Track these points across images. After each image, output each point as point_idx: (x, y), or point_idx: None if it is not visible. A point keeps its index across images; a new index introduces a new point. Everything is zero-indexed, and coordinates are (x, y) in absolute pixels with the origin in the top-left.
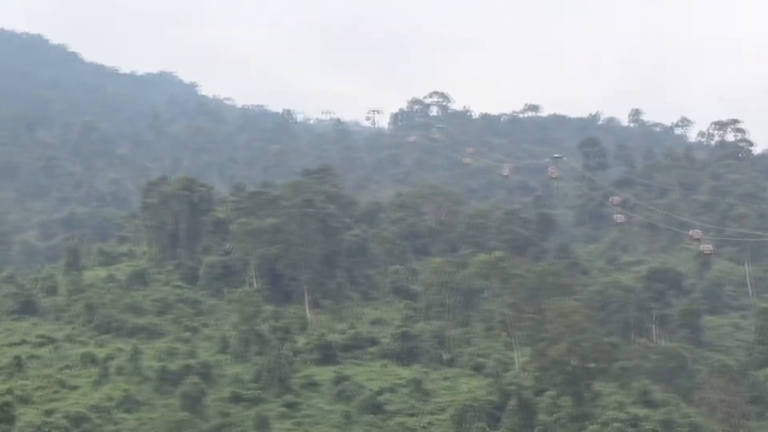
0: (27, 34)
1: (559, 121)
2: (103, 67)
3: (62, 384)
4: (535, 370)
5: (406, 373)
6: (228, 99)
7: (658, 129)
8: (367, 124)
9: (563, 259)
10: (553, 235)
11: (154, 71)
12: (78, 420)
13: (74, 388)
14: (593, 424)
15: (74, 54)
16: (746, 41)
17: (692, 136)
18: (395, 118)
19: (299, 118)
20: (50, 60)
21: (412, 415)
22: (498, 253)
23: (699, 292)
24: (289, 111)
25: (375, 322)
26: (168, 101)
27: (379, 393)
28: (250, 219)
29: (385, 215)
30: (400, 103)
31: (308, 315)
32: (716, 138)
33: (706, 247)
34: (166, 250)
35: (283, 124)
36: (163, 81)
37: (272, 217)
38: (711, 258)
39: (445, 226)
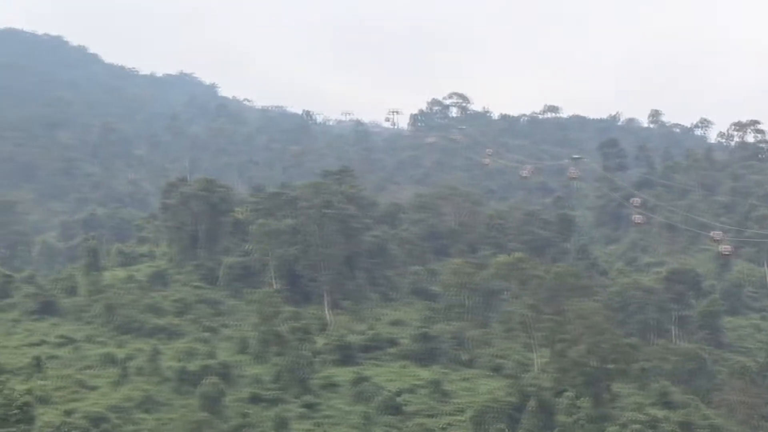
0: (47, 35)
1: (578, 122)
2: (122, 68)
3: (82, 384)
4: (555, 371)
5: (425, 374)
6: (247, 100)
7: (677, 130)
8: (387, 125)
9: (583, 260)
10: (572, 236)
11: (174, 72)
12: (97, 420)
13: (94, 388)
14: (612, 425)
15: (94, 55)
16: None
17: (712, 136)
18: (415, 119)
19: (319, 119)
20: (70, 61)
21: (432, 416)
22: (518, 254)
23: (719, 293)
24: (308, 112)
25: (394, 322)
26: (187, 102)
27: (399, 394)
28: (270, 220)
29: (405, 216)
30: (420, 104)
31: (328, 316)
32: (736, 139)
33: (725, 247)
34: (186, 250)
35: (302, 125)
36: (182, 82)
37: (291, 218)
38: (730, 259)
39: (464, 227)
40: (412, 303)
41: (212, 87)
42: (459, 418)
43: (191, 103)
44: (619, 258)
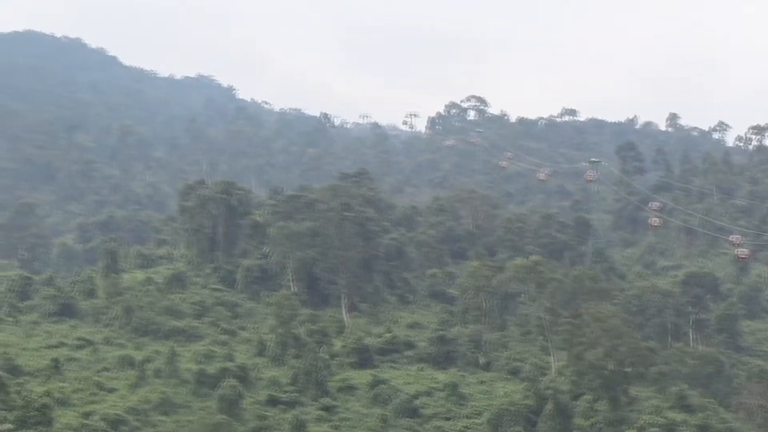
0: (66, 37)
1: (596, 125)
2: (141, 70)
3: (100, 386)
4: (572, 375)
5: (442, 376)
6: (266, 103)
7: (695, 133)
8: (405, 127)
9: (600, 264)
10: (590, 240)
11: (192, 75)
12: (115, 422)
13: (112, 390)
14: (630, 428)
15: (113, 58)
16: None
17: (730, 140)
18: (433, 122)
19: (336, 121)
20: (89, 63)
21: (449, 419)
22: (535, 257)
23: (737, 297)
24: (326, 115)
25: (412, 325)
26: (206, 105)
27: (416, 397)
28: (288, 222)
29: (423, 219)
30: (438, 107)
31: (345, 318)
32: (754, 142)
33: (742, 251)
34: (204, 253)
35: (320, 127)
36: (200, 85)
37: (310, 221)
38: (747, 262)
39: (482, 230)
40: (430, 306)
41: (230, 89)
42: (476, 421)
43: (209, 105)
44: (637, 261)
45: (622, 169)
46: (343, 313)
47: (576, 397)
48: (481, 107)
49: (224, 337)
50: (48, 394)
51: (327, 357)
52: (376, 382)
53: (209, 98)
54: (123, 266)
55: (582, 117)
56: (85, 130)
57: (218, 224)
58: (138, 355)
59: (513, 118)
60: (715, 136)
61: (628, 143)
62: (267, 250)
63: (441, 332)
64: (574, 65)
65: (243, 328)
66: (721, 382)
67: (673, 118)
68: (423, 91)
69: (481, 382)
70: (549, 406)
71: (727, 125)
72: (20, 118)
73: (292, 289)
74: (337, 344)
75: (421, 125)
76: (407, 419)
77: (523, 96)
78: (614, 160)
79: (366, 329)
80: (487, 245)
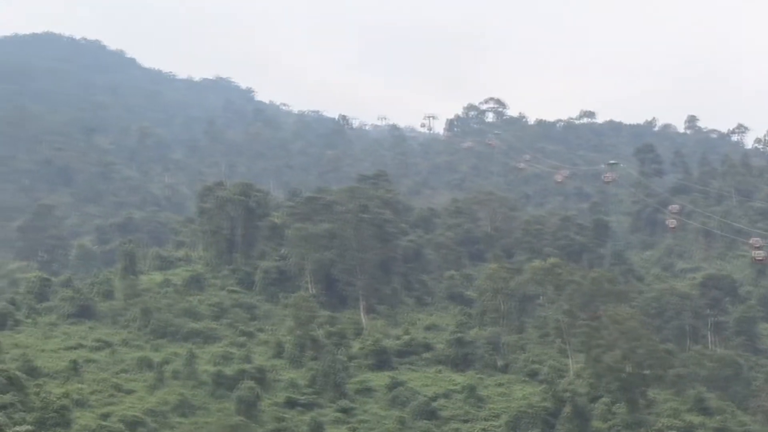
0: (85, 39)
1: (614, 127)
2: (160, 72)
3: (118, 388)
4: (590, 377)
5: (460, 379)
6: (284, 105)
7: (714, 136)
8: (423, 129)
9: (619, 266)
10: (608, 242)
11: (211, 77)
12: (133, 424)
13: (130, 392)
14: (648, 431)
15: (132, 60)
16: None
17: (749, 142)
18: (451, 124)
19: (354, 123)
20: (108, 66)
21: (467, 421)
22: (553, 260)
23: (755, 300)
24: (344, 116)
25: (430, 327)
26: (224, 107)
27: (434, 399)
28: (306, 224)
29: (441, 221)
30: (456, 109)
31: (363, 320)
32: None
33: (759, 253)
34: (222, 254)
35: (338, 129)
36: (219, 87)
37: (328, 223)
38: (765, 264)
39: (500, 232)
40: (448, 308)
41: (249, 91)
42: (494, 423)
43: (228, 107)
44: (655, 263)
45: (641, 171)
46: (361, 314)
47: (594, 400)
48: (500, 109)
49: (242, 339)
50: (66, 395)
51: (345, 359)
52: (394, 384)
53: (228, 100)
54: (141, 268)
55: (600, 119)
56: (104, 132)
57: (236, 226)
58: (156, 357)
59: (531, 120)
60: (734, 138)
61: (647, 145)
62: (285, 252)
63: (459, 334)
64: (592, 67)
65: (261, 330)
66: (739, 384)
67: (691, 120)
68: (441, 93)
69: (499, 385)
70: (567, 409)
71: (746, 127)
72: (39, 120)
73: (310, 291)
74: (355, 346)
75: (439, 127)
76: (425, 421)
77: (542, 98)
78: (632, 163)
79: (384, 331)
80: (505, 247)
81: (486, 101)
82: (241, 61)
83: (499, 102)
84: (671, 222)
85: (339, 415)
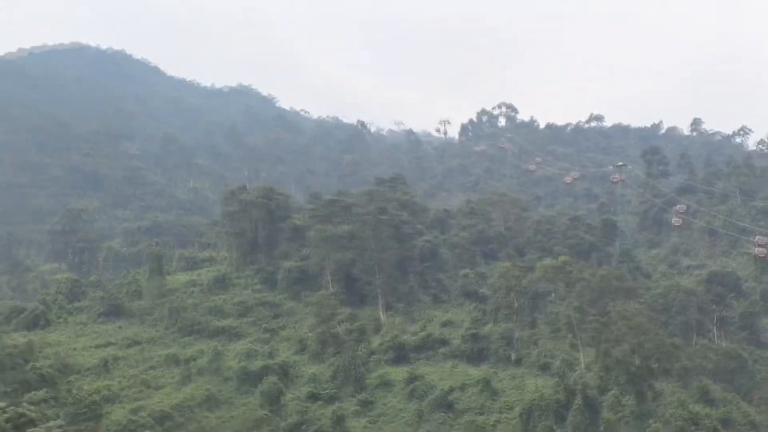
0: (112, 49)
1: (622, 130)
2: (183, 80)
3: (147, 384)
4: (600, 370)
5: (475, 372)
6: (304, 111)
7: (718, 138)
8: (438, 134)
9: (626, 264)
10: (616, 241)
11: (233, 84)
12: (162, 418)
13: (158, 387)
14: (656, 421)
15: (156, 69)
16: None
17: (751, 144)
18: (464, 128)
19: (372, 129)
20: (134, 75)
21: (481, 413)
22: (563, 258)
23: (758, 295)
24: (362, 122)
25: (446, 323)
26: (246, 113)
27: (450, 392)
28: (326, 226)
29: (455, 221)
30: (469, 114)
31: (382, 317)
32: None
33: (760, 250)
34: (246, 255)
35: (357, 134)
36: (240, 94)
37: (347, 224)
38: (764, 261)
39: (512, 232)
40: (463, 305)
41: (269, 98)
42: (508, 415)
43: (249, 113)
44: (662, 261)
45: (647, 172)
46: (380, 312)
47: (603, 392)
48: (511, 114)
49: (266, 336)
50: (97, 391)
51: (365, 354)
52: (411, 378)
53: (249, 107)
54: (168, 269)
55: (608, 122)
56: (130, 139)
57: (259, 228)
58: (183, 354)
59: (542, 124)
60: (738, 140)
61: (653, 147)
62: (306, 252)
63: (474, 330)
64: (601, 72)
65: (284, 327)
66: (743, 376)
67: (696, 123)
68: (455, 99)
69: (513, 378)
70: (578, 401)
71: (749, 129)
72: (68, 127)
73: (330, 290)
74: (375, 342)
75: (453, 131)
76: (442, 413)
77: (552, 103)
78: (639, 164)
79: (402, 327)
80: (518, 246)
81: (498, 106)
82: (262, 69)
83: (510, 107)
84: (676, 221)
85: (359, 408)
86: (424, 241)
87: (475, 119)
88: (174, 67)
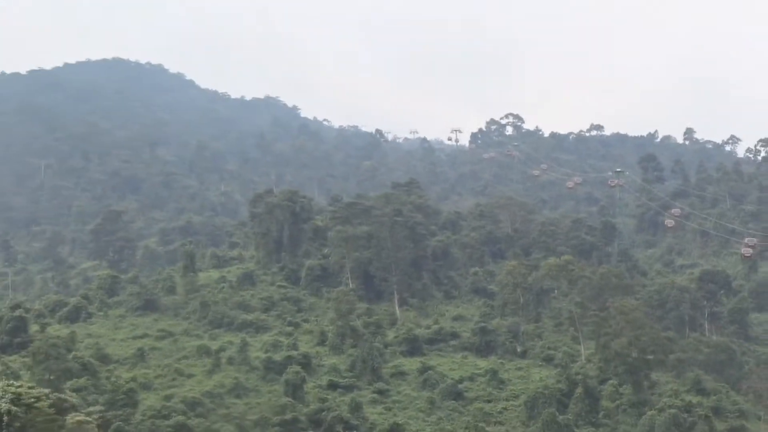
0: (149, 64)
1: (620, 139)
2: (215, 92)
3: (179, 373)
4: (599, 362)
5: (483, 363)
6: (326, 120)
7: (709, 146)
8: (449, 142)
9: (625, 263)
10: (615, 241)
11: (261, 96)
12: (193, 404)
13: (190, 376)
14: (651, 409)
15: (191, 81)
16: None
17: (740, 152)
18: (474, 137)
19: (389, 137)
20: (169, 87)
21: (489, 402)
22: (566, 257)
23: (747, 292)
24: (380, 131)
25: (456, 318)
26: (272, 123)
27: (460, 381)
28: (346, 227)
29: (466, 223)
30: (479, 124)
31: (397, 312)
32: (762, 153)
33: (746, 250)
34: (272, 254)
35: (374, 142)
36: (268, 105)
37: (366, 225)
38: (752, 260)
39: (519, 233)
40: (472, 300)
41: (294, 109)
42: (514, 403)
43: (276, 123)
44: (657, 260)
45: (644, 178)
46: (395, 307)
47: (603, 382)
48: (518, 123)
49: (289, 329)
50: (134, 379)
51: (381, 346)
52: (424, 369)
53: (275, 117)
54: (200, 266)
55: (607, 132)
56: (166, 146)
57: (284, 228)
58: (213, 345)
59: (546, 133)
60: (727, 148)
61: (649, 155)
62: (327, 252)
63: (482, 324)
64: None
65: (306, 321)
66: (732, 368)
67: (689, 132)
68: (466, 109)
69: (519, 369)
70: (579, 390)
71: (738, 138)
72: (109, 135)
73: (349, 286)
74: (390, 335)
75: (464, 140)
76: (452, 402)
77: (555, 113)
78: (636, 170)
79: (415, 321)
80: (524, 246)
81: (506, 116)
82: (287, 82)
83: (517, 117)
84: (669, 222)
85: (375, 396)
86: (437, 242)
87: (484, 128)
88: (207, 81)
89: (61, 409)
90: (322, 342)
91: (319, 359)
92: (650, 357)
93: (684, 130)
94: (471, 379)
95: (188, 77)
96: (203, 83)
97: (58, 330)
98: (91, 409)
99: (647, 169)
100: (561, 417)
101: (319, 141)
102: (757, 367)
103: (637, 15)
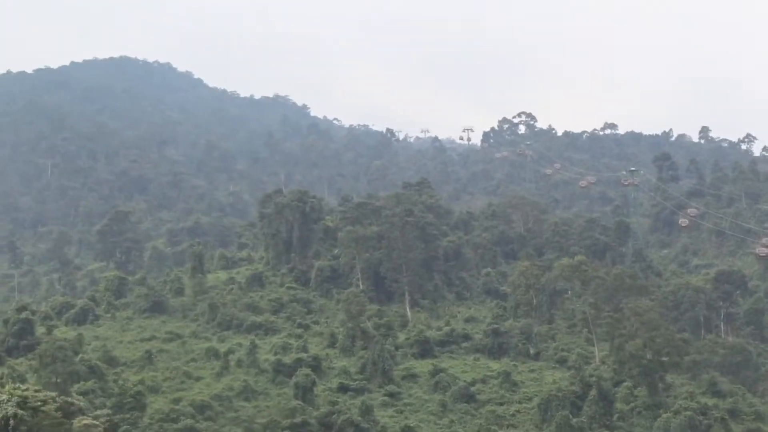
0: (158, 63)
1: (634, 137)
2: (224, 91)
3: (188, 375)
4: (614, 363)
5: (496, 366)
6: (336, 119)
7: (725, 144)
8: (461, 141)
9: (639, 263)
10: (629, 241)
11: (270, 95)
12: (202, 407)
13: (198, 379)
14: (666, 412)
15: (199, 80)
16: None
17: (757, 150)
18: (486, 135)
19: (400, 136)
20: (178, 86)
21: (502, 404)
22: (580, 258)
23: (763, 293)
24: (390, 130)
25: (468, 319)
26: (282, 122)
27: (472, 384)
28: (356, 227)
29: (478, 223)
30: (491, 122)
31: (408, 313)
32: None
33: (762, 250)
34: (281, 255)
35: (385, 141)
36: (277, 104)
37: (376, 226)
38: (767, 260)
39: (531, 233)
40: (484, 302)
41: (304, 108)
42: (527, 405)
43: (285, 122)
44: (672, 261)
45: (659, 177)
46: (406, 308)
47: (617, 384)
48: (530, 122)
49: (299, 331)
50: (142, 382)
51: (392, 348)
52: (436, 371)
53: (285, 116)
54: (208, 267)
55: (622, 130)
56: (174, 146)
57: (293, 229)
58: (222, 347)
59: (559, 132)
60: (743, 146)
61: (664, 154)
62: (337, 252)
63: (495, 325)
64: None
65: (316, 323)
66: (749, 369)
67: (704, 130)
68: (478, 108)
69: (531, 371)
70: (593, 392)
71: (753, 137)
72: (117, 135)
73: (360, 287)
74: (401, 337)
75: (476, 139)
76: (464, 404)
77: (569, 111)
78: (651, 170)
79: (427, 323)
80: (536, 247)
81: (518, 115)
82: (296, 80)
83: (530, 115)
84: (683, 221)
85: (386, 398)
86: (449, 242)
87: (496, 127)
88: (216, 79)
89: (68, 412)
90: (332, 344)
91: (329, 361)
92: (665, 359)
93: (699, 128)
94: (483, 381)
95: (197, 76)
96: (211, 82)
97: (64, 332)
98: (99, 412)
99: (662, 168)
100: (575, 420)
101: (329, 140)
102: None
103: (653, 12)
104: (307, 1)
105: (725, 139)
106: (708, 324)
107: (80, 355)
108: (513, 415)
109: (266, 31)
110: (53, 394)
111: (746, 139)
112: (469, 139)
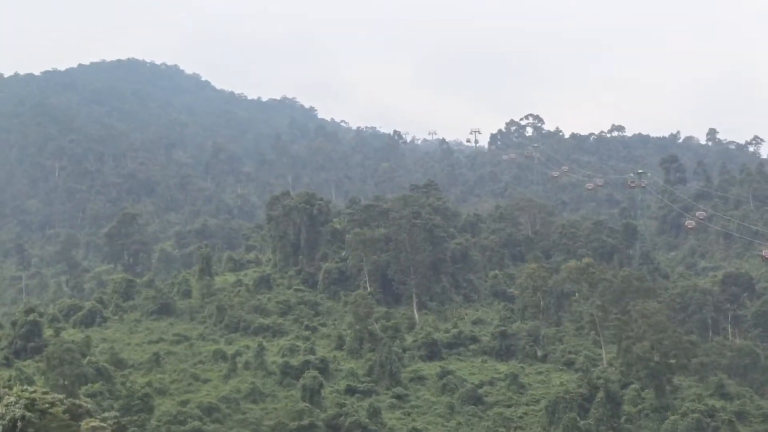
0: (165, 65)
1: (641, 140)
2: (232, 94)
3: (195, 377)
4: (621, 366)
5: (503, 368)
6: (343, 122)
7: (732, 147)
8: (469, 143)
9: (646, 265)
10: (636, 244)
11: (277, 97)
12: (209, 410)
13: (206, 381)
14: (674, 414)
15: (206, 82)
16: None
17: (764, 153)
18: (494, 138)
19: (407, 138)
20: (185, 88)
21: (509, 407)
22: (587, 260)
23: None
24: (398, 132)
25: (476, 322)
26: (289, 124)
27: (480, 386)
28: (364, 229)
29: (485, 225)
30: (498, 124)
31: (416, 315)
32: None
33: (767, 252)
34: (288, 257)
35: (392, 144)
36: (285, 106)
37: (383, 228)
38: None
39: (539, 235)
40: (492, 304)
41: (311, 110)
42: (534, 408)
43: (293, 124)
44: (680, 263)
45: (666, 179)
46: (414, 310)
47: (625, 386)
48: (538, 124)
49: (306, 333)
50: (149, 384)
51: (399, 350)
52: (443, 373)
53: (292, 118)
54: (216, 269)
55: (629, 132)
56: (182, 148)
57: (301, 231)
58: (229, 350)
59: (566, 134)
60: (751, 149)
61: (671, 156)
62: (345, 255)
63: (502, 328)
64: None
65: (323, 325)
66: (756, 372)
67: (712, 133)
68: (485, 110)
69: (539, 373)
70: (600, 395)
71: (761, 139)
72: (124, 137)
73: (367, 290)
74: (409, 339)
75: (483, 141)
76: (472, 406)
77: (576, 113)
78: (658, 172)
79: (434, 325)
80: (544, 249)
81: (525, 117)
82: (304, 83)
83: (537, 118)
84: (690, 223)
85: (394, 401)
86: (456, 244)
87: (503, 129)
88: (223, 81)
89: (76, 414)
90: (339, 346)
91: (337, 364)
92: (673, 361)
93: (707, 130)
94: (491, 383)
95: (204, 78)
96: (219, 84)
97: (72, 334)
98: (106, 414)
99: (669, 170)
100: (582, 422)
101: (337, 142)
102: None
103: (661, 14)
104: (316, 4)
105: (733, 142)
106: (715, 326)
107: (88, 358)
108: (520, 417)
109: (274, 33)
110: (61, 396)
111: (754, 141)
112: (476, 141)
